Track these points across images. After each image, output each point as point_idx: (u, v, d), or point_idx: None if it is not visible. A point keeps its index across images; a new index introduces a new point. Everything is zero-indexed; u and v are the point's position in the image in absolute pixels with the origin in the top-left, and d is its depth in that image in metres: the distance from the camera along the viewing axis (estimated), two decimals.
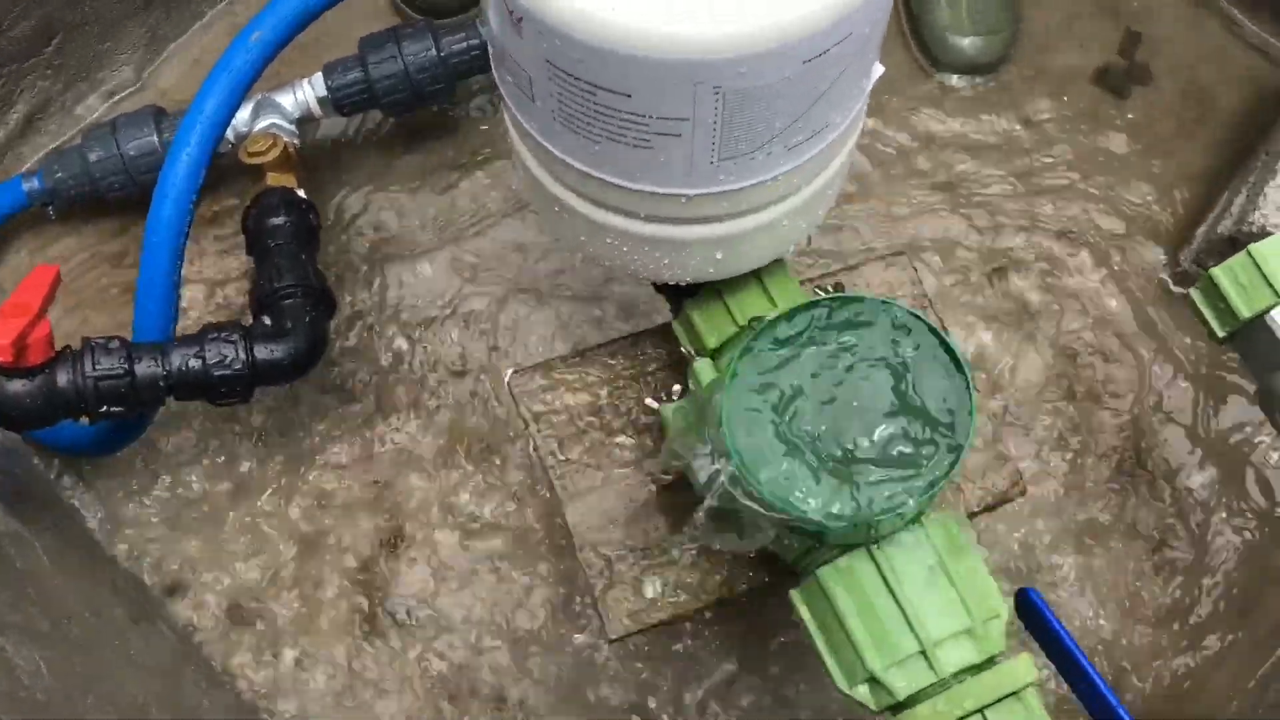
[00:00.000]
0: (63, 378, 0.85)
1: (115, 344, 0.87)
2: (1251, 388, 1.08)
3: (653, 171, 0.64)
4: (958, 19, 1.23)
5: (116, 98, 1.23)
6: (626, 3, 0.54)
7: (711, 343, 0.81)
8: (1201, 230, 1.15)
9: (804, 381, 0.68)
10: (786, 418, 0.67)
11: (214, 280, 1.16)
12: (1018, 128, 1.24)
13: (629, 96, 0.58)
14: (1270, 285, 0.81)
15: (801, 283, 0.90)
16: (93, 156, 1.10)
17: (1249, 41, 1.28)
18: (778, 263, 0.82)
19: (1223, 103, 1.25)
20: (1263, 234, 1.00)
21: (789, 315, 0.69)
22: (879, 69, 0.66)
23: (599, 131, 0.62)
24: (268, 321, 0.95)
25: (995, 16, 1.24)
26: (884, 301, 0.69)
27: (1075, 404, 1.11)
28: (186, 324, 1.13)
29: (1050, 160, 1.22)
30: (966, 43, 1.23)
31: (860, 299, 0.69)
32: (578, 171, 0.67)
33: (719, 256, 0.74)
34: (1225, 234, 1.06)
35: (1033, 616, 0.84)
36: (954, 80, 1.25)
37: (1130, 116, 1.25)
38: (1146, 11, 1.29)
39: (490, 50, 0.68)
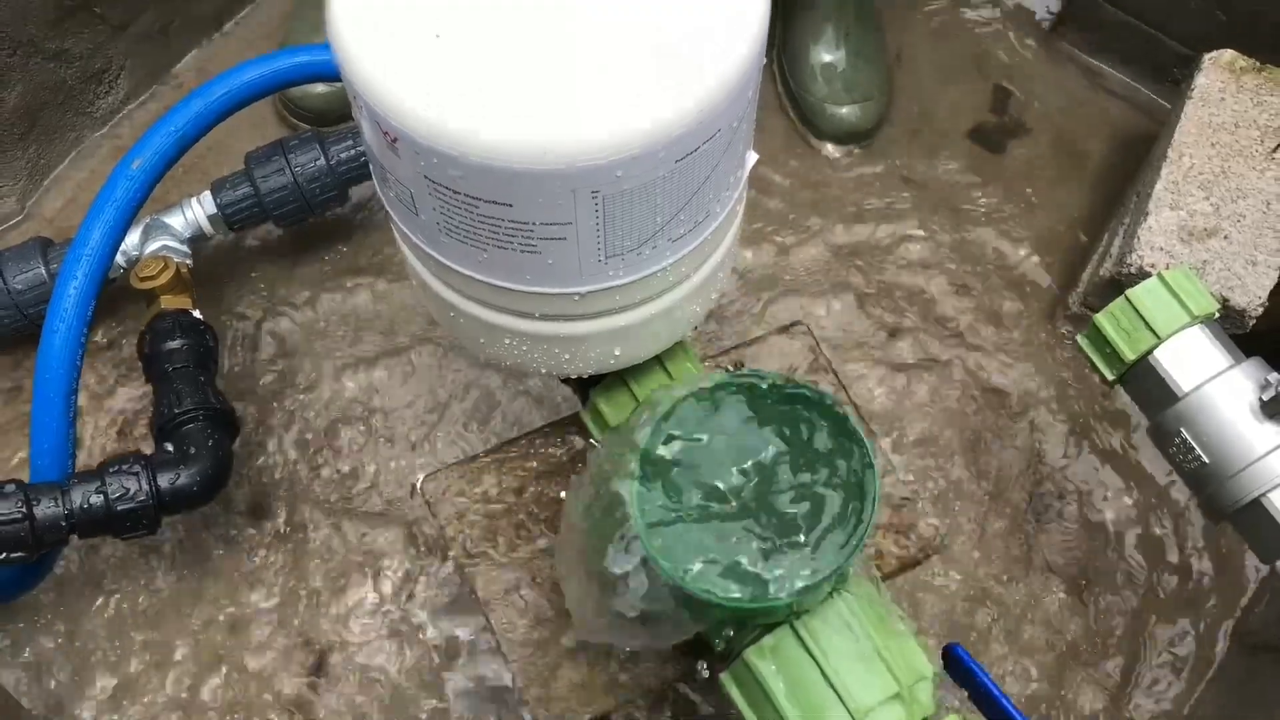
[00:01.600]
0: None
1: (11, 487, 0.85)
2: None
3: (542, 273, 0.65)
4: (834, 90, 1.27)
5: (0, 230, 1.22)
6: (497, 118, 0.54)
7: None
8: (1086, 273, 1.19)
9: (709, 466, 0.68)
10: (695, 505, 0.67)
11: (115, 408, 1.13)
12: (902, 189, 1.27)
13: (510, 206, 0.59)
14: (1150, 327, 0.84)
15: (703, 360, 0.91)
16: None
17: (1111, 89, 1.34)
18: (678, 345, 0.83)
19: (1094, 148, 1.31)
20: (1141, 274, 1.03)
21: (688, 399, 0.70)
22: (753, 157, 0.68)
23: (485, 240, 0.62)
24: (170, 448, 0.93)
25: (869, 84, 1.29)
26: (781, 378, 0.70)
27: (979, 454, 1.13)
28: (90, 456, 1.11)
29: (936, 218, 1.26)
30: (845, 111, 1.27)
31: (758, 376, 0.70)
32: (468, 277, 0.67)
33: (617, 347, 0.75)
34: (1108, 276, 1.10)
35: (960, 671, 0.85)
36: (836, 149, 1.29)
37: (1008, 169, 1.29)
38: (1012, 68, 1.35)
39: (370, 165, 0.68)
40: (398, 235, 0.73)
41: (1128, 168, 1.27)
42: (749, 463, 0.69)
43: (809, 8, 1.28)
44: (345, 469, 1.11)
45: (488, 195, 0.58)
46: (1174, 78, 1.29)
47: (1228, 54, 1.13)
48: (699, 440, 0.70)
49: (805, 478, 0.68)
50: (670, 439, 0.70)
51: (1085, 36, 1.35)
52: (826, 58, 1.28)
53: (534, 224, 0.60)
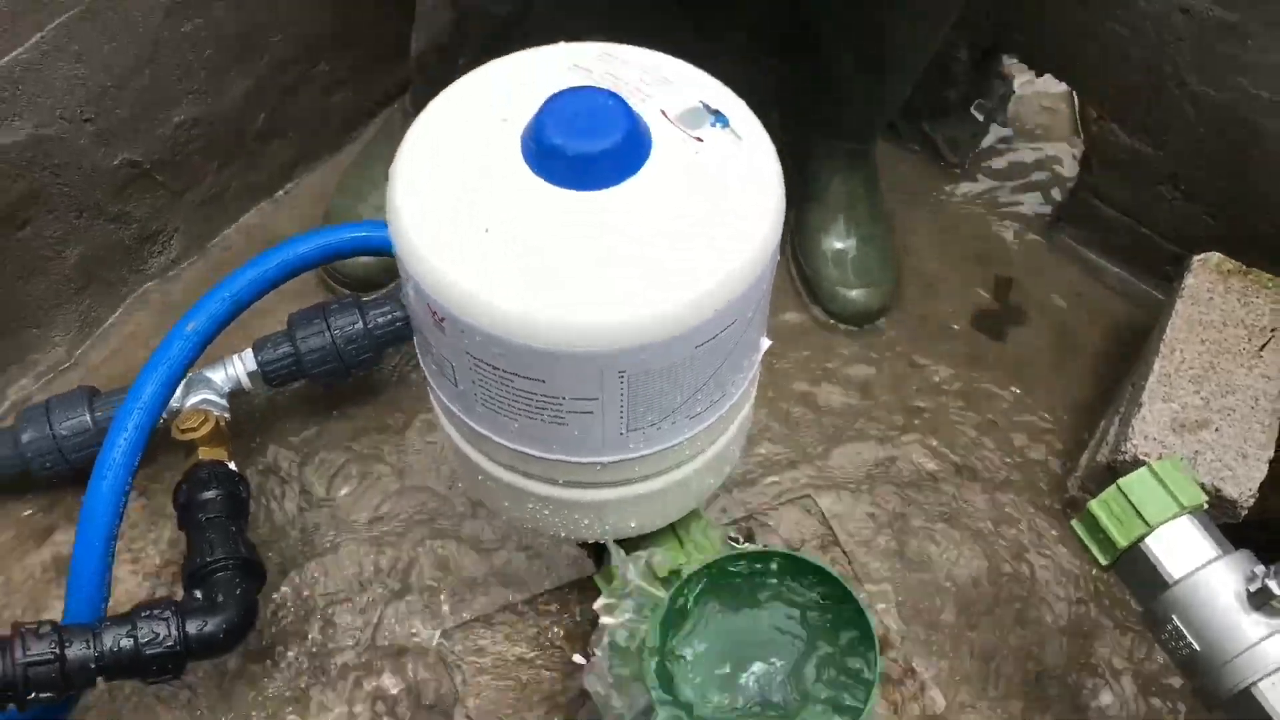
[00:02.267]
0: None
1: (46, 628, 0.88)
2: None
3: (568, 443, 0.70)
4: (844, 275, 1.35)
5: (48, 377, 1.28)
6: (539, 305, 0.60)
7: None
8: (1084, 458, 1.24)
9: (723, 639, 0.72)
10: (711, 676, 0.70)
11: (142, 552, 1.17)
12: (907, 371, 1.33)
13: (544, 382, 0.64)
14: (1140, 516, 0.88)
15: (716, 527, 0.95)
16: (25, 437, 1.13)
17: (1107, 282, 1.41)
18: (692, 514, 0.87)
19: (1091, 338, 1.37)
20: (1135, 462, 1.08)
21: (703, 574, 0.74)
22: (766, 342, 0.74)
23: (518, 411, 0.68)
24: (198, 595, 0.96)
25: (878, 270, 1.36)
26: (794, 556, 0.74)
27: (981, 633, 1.15)
28: (116, 596, 1.13)
29: (940, 400, 1.31)
30: (854, 294, 1.34)
31: (772, 554, 0.74)
32: (499, 444, 0.72)
33: (635, 515, 0.79)
34: (1104, 462, 1.15)
35: None
36: (846, 329, 1.35)
37: (1009, 355, 1.35)
38: (1013, 259, 1.43)
39: (414, 336, 0.74)
40: (435, 402, 0.78)
41: (1124, 357, 1.33)
42: (760, 639, 0.72)
43: (821, 200, 1.37)
44: (365, 621, 1.13)
45: (524, 372, 0.64)
46: (1166, 274, 1.36)
47: (1215, 256, 1.20)
48: (713, 615, 0.73)
49: (810, 656, 0.71)
50: (688, 614, 0.73)
51: (1083, 232, 1.43)
52: (837, 245, 1.36)
53: (564, 398, 0.66)
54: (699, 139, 0.65)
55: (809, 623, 0.73)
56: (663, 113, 0.65)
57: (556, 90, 0.64)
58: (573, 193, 0.62)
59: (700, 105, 0.66)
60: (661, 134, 0.64)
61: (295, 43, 1.30)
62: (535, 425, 0.68)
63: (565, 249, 0.62)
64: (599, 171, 0.62)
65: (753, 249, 0.64)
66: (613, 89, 0.65)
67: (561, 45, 0.71)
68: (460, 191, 0.64)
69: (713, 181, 0.64)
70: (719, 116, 0.66)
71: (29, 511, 1.20)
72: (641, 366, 0.63)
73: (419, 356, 0.75)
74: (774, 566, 0.74)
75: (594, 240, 0.62)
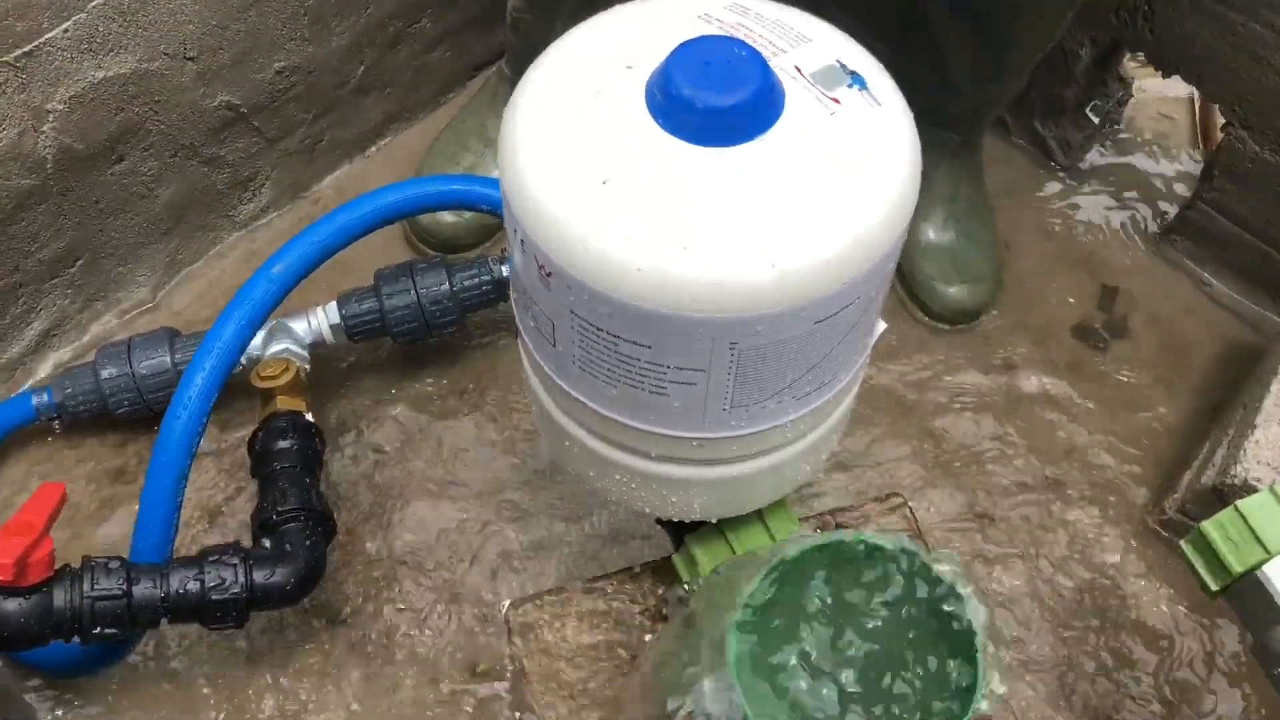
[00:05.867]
0: (59, 597, 0.84)
1: (115, 564, 0.87)
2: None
3: (667, 416, 0.66)
4: (943, 269, 1.30)
5: (130, 315, 1.27)
6: (654, 264, 0.57)
7: None
8: (1185, 478, 1.18)
9: (811, 631, 0.68)
10: (792, 670, 0.67)
11: (208, 498, 1.16)
12: (1002, 376, 1.28)
13: (649, 348, 0.61)
14: (1260, 542, 0.82)
15: (801, 520, 0.91)
16: (104, 374, 1.12)
17: (1219, 300, 1.35)
18: (779, 501, 0.83)
19: (1197, 356, 1.31)
20: (1246, 487, 1.02)
21: (794, 559, 0.71)
22: (881, 326, 0.70)
23: (617, 377, 0.64)
24: (267, 544, 0.95)
25: (978, 267, 1.31)
26: (894, 545, 0.70)
27: (1065, 649, 1.11)
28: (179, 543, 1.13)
29: (1034, 409, 1.26)
30: (953, 291, 1.29)
31: (870, 543, 0.70)
32: (593, 411, 0.69)
33: (725, 496, 0.76)
34: (1209, 484, 1.09)
35: None
36: (941, 327, 1.30)
37: (1109, 367, 1.30)
38: (1121, 269, 1.37)
39: (513, 294, 0.71)
40: (527, 363, 0.75)
41: (1231, 378, 1.26)
42: (851, 632, 0.69)
43: (921, 190, 1.32)
44: (429, 584, 1.11)
45: (629, 335, 0.61)
46: None
47: None
48: (800, 605, 0.70)
49: (907, 655, 0.68)
50: (774, 599, 0.70)
51: (1196, 246, 1.36)
52: (935, 237, 1.31)
53: (668, 367, 0.62)
54: (835, 100, 0.61)
55: (904, 625, 0.69)
56: (797, 69, 0.61)
57: (686, 39, 0.61)
58: (699, 148, 0.59)
59: (837, 64, 0.62)
60: (795, 92, 0.61)
61: None
62: (634, 394, 0.65)
63: (687, 207, 0.58)
64: (728, 127, 0.58)
65: (884, 222, 0.60)
66: (745, 41, 0.61)
67: None
68: (579, 139, 0.61)
69: (847, 146, 0.60)
70: (856, 78, 0.62)
71: (104, 449, 1.19)
72: (755, 339, 0.60)
73: (515, 312, 0.72)
74: (870, 558, 0.70)
75: (718, 200, 0.58)
